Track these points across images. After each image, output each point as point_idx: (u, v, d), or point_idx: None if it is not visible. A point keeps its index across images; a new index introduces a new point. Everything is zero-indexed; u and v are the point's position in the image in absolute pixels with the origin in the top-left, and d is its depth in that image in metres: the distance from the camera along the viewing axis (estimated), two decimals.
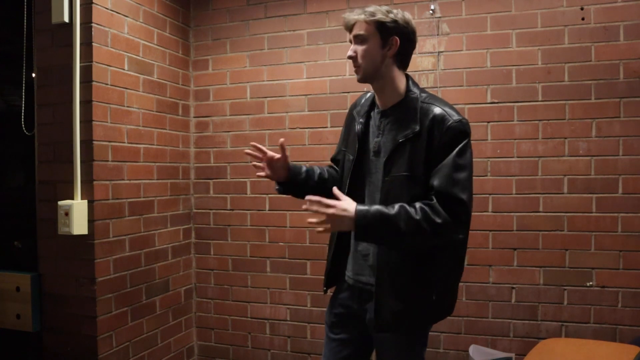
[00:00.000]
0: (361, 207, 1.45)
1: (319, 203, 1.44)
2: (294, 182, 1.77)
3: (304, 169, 1.80)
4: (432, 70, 2.63)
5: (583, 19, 2.42)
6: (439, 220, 1.43)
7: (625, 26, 2.37)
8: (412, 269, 1.54)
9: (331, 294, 1.84)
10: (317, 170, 1.83)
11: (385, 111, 1.64)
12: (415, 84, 1.65)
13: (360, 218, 1.44)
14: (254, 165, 1.77)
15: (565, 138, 2.45)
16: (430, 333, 2.59)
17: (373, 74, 1.60)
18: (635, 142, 2.36)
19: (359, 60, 1.60)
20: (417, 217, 1.43)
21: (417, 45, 2.57)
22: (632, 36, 2.36)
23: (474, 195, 2.52)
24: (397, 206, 1.46)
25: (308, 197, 1.45)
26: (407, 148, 1.54)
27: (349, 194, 1.61)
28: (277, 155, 1.72)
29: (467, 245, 1.62)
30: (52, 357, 2.38)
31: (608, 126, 2.40)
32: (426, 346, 1.71)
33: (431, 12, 2.62)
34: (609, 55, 2.39)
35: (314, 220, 1.47)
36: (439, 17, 2.62)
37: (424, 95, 1.60)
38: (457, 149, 1.49)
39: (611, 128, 2.39)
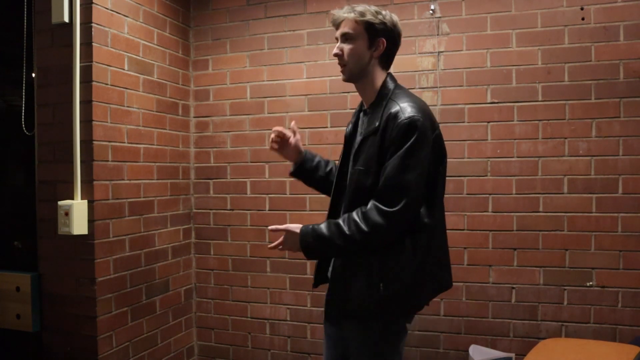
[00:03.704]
0: (305, 231, 1.59)
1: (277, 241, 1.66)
2: (304, 168, 1.88)
3: (317, 158, 1.90)
4: (432, 70, 2.63)
5: (583, 19, 2.42)
6: (366, 229, 1.49)
7: (625, 26, 2.37)
8: (363, 260, 1.56)
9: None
10: (330, 165, 1.92)
11: (366, 110, 1.67)
12: (393, 80, 1.65)
13: (302, 241, 1.59)
14: (272, 148, 1.89)
15: (565, 138, 2.45)
16: (430, 333, 2.63)
17: (358, 74, 1.63)
18: (635, 142, 2.36)
19: (345, 58, 1.62)
20: (348, 232, 1.51)
21: (417, 45, 2.63)
22: (632, 36, 2.36)
23: (474, 195, 2.55)
24: (332, 224, 1.55)
25: (270, 228, 1.67)
26: (367, 144, 1.57)
27: (336, 191, 1.74)
28: (292, 137, 1.85)
29: (430, 244, 1.58)
30: (52, 357, 2.38)
31: (608, 126, 2.40)
32: (396, 347, 1.63)
33: (431, 12, 2.62)
34: (609, 55, 2.39)
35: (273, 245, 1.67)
36: (439, 17, 2.62)
37: (396, 91, 1.61)
38: (404, 148, 1.48)
39: (611, 128, 2.39)
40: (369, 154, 1.55)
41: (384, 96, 1.60)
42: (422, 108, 1.54)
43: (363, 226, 1.49)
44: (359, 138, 1.64)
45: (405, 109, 1.51)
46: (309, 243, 1.57)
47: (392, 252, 1.54)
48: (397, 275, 1.54)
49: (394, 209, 1.47)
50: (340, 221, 1.54)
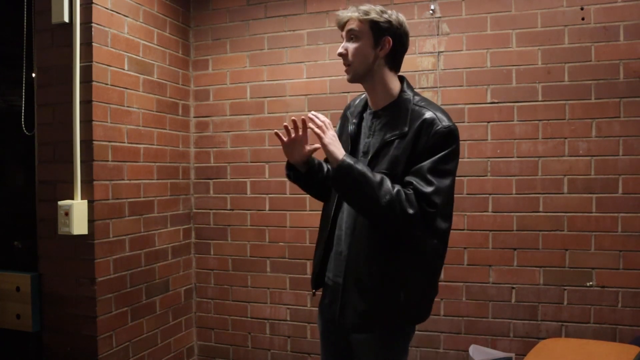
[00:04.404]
0: (349, 160, 1.47)
1: (323, 125, 1.50)
2: (307, 171, 1.72)
3: (316, 160, 1.77)
4: (432, 70, 2.63)
5: (583, 19, 2.42)
6: (410, 211, 1.43)
7: (625, 26, 2.37)
8: (380, 270, 1.53)
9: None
10: (324, 166, 1.81)
11: (377, 112, 1.63)
12: (410, 87, 1.64)
13: (344, 167, 1.46)
14: (277, 134, 1.68)
15: (565, 138, 2.45)
16: (430, 333, 2.63)
17: (363, 74, 1.60)
18: (635, 142, 2.36)
19: (350, 58, 1.59)
20: (394, 196, 1.43)
21: (417, 45, 2.62)
22: (632, 36, 2.36)
23: (474, 195, 2.55)
24: (379, 175, 1.46)
25: (314, 113, 1.53)
26: (391, 148, 1.53)
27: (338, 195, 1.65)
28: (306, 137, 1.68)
29: (442, 252, 1.58)
30: (52, 357, 2.38)
31: (608, 126, 2.40)
32: (406, 349, 1.65)
33: (431, 12, 2.62)
34: (609, 55, 2.39)
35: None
36: (439, 17, 2.62)
37: (417, 98, 1.59)
38: (442, 153, 1.48)
39: (611, 128, 2.39)
40: (394, 157, 1.52)
41: (406, 101, 1.58)
42: (451, 118, 1.55)
43: (407, 206, 1.43)
44: (370, 140, 1.61)
45: (441, 118, 1.51)
46: (350, 174, 1.45)
47: (409, 259, 1.52)
48: (416, 283, 1.54)
49: (432, 210, 1.46)
50: (387, 180, 1.46)
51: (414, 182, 1.46)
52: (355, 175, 1.45)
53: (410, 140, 1.50)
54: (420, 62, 2.65)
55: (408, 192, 1.45)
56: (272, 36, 2.91)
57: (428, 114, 1.52)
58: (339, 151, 1.49)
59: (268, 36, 2.92)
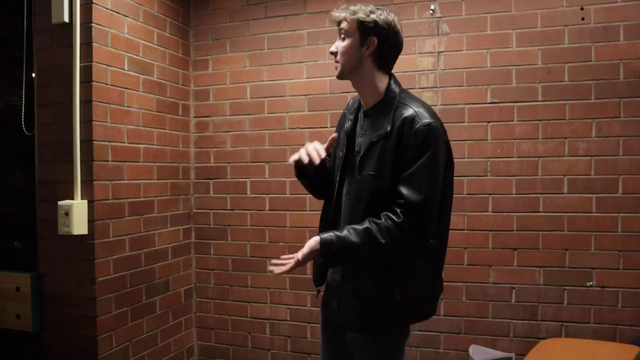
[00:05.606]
0: (325, 240, 1.50)
1: (282, 265, 1.53)
2: (317, 173, 1.73)
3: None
4: (432, 70, 2.63)
5: (583, 19, 2.42)
6: (401, 239, 1.46)
7: (625, 26, 2.37)
8: (376, 270, 1.54)
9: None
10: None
11: (367, 111, 1.64)
12: (397, 84, 1.64)
13: (325, 251, 1.50)
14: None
15: (565, 138, 2.45)
16: (430, 333, 2.63)
17: (349, 72, 1.61)
18: (635, 142, 2.36)
19: (338, 56, 1.61)
20: (383, 241, 1.45)
21: (417, 45, 2.62)
22: (632, 36, 2.36)
23: (474, 195, 2.55)
24: (361, 231, 1.47)
25: (271, 266, 1.55)
26: (378, 148, 1.54)
27: (337, 191, 1.67)
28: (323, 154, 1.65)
29: (440, 250, 1.61)
30: (52, 357, 2.38)
31: (608, 126, 2.40)
32: (400, 349, 1.64)
33: (431, 12, 2.62)
34: (609, 55, 2.39)
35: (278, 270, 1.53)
36: (439, 17, 2.62)
37: (402, 95, 1.59)
38: (425, 156, 1.47)
39: (611, 128, 2.39)
40: (380, 158, 1.52)
41: (391, 99, 1.58)
42: (435, 114, 1.55)
43: (399, 236, 1.46)
44: (362, 139, 1.62)
45: (422, 114, 1.51)
46: (334, 253, 1.51)
47: (405, 260, 1.53)
48: (412, 283, 1.54)
49: (426, 219, 1.48)
50: (371, 229, 1.47)
51: (405, 195, 1.46)
52: (336, 252, 1.50)
53: (393, 140, 1.51)
54: (420, 62, 2.65)
55: (398, 219, 1.46)
56: (272, 36, 2.91)
57: (409, 112, 1.52)
58: (313, 245, 1.52)
59: (268, 36, 2.92)
